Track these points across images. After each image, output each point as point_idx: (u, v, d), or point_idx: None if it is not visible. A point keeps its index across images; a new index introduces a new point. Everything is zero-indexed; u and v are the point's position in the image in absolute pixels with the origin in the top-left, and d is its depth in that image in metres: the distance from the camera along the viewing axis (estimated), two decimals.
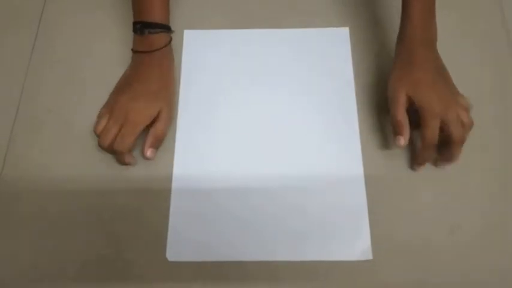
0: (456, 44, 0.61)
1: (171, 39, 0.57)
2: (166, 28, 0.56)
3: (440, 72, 0.54)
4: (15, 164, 0.57)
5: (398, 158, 0.56)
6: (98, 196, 0.55)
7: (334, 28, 0.64)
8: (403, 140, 0.52)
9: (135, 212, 0.54)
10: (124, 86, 0.56)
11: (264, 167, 0.56)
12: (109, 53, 0.63)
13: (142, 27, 0.55)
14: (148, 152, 0.54)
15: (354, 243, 0.52)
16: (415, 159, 0.55)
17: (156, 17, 0.55)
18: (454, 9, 0.64)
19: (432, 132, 0.51)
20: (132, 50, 0.57)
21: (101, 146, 0.54)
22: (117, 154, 0.54)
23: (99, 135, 0.54)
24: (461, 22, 0.64)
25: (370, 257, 0.52)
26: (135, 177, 0.56)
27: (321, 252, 0.52)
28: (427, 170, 0.55)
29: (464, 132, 0.52)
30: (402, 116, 0.52)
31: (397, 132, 0.53)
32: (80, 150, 0.58)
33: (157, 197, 0.55)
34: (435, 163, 0.56)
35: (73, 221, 0.54)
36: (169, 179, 0.55)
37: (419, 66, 0.53)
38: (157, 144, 0.55)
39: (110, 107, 0.55)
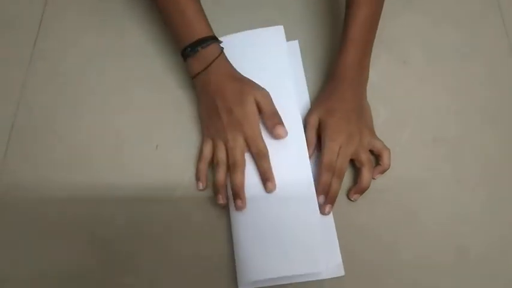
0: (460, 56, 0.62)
1: (222, 48, 0.56)
2: (214, 38, 0.55)
3: (358, 111, 0.56)
4: (12, 170, 0.58)
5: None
6: (94, 204, 0.56)
7: (288, 42, 0.61)
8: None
9: (133, 218, 0.55)
10: (212, 113, 0.54)
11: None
12: (109, 55, 0.63)
13: (193, 47, 0.54)
14: (280, 130, 0.53)
15: (324, 260, 0.49)
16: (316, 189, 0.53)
17: (201, 32, 0.55)
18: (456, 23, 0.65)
19: (329, 155, 0.53)
20: (192, 78, 0.56)
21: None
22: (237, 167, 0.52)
23: (217, 168, 0.53)
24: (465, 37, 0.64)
25: (342, 273, 0.50)
26: (133, 185, 0.56)
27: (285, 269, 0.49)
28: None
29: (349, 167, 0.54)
30: (309, 136, 0.55)
31: None
32: (78, 159, 0.58)
33: (154, 204, 0.56)
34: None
35: (70, 228, 0.55)
36: (164, 187, 0.56)
37: (340, 100, 0.55)
38: (279, 120, 0.54)
39: (212, 139, 0.54)
